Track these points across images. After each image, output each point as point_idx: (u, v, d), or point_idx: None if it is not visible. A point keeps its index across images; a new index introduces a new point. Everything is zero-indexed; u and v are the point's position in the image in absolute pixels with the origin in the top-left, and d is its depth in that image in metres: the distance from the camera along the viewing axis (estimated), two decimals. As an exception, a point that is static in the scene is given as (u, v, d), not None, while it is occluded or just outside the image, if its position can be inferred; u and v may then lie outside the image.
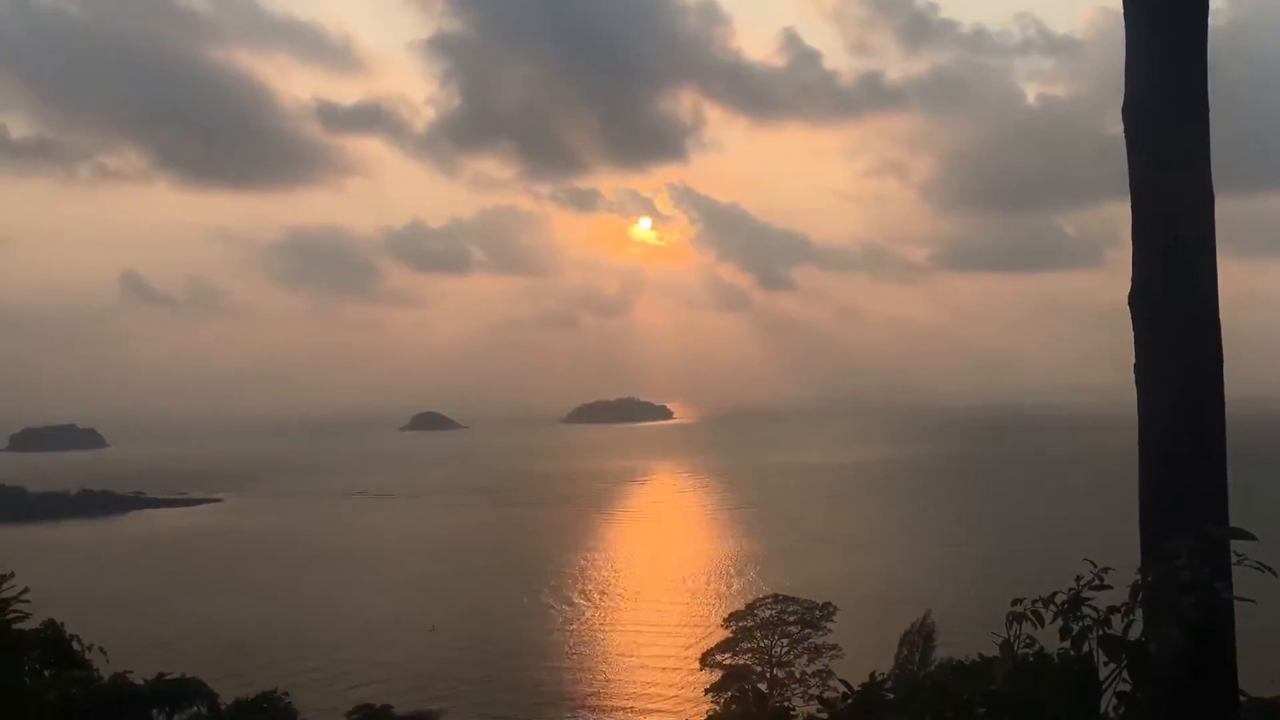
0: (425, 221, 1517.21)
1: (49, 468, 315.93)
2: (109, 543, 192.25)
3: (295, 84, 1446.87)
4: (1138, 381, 6.92)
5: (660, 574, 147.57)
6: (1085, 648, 5.02)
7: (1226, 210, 6.93)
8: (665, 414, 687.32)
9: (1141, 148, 7.08)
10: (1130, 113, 7.15)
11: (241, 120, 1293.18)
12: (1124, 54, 7.25)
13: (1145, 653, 4.90)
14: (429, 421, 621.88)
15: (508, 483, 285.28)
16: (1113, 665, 4.97)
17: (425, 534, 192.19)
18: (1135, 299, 7.00)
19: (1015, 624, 5.14)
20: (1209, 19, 7.10)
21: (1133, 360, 6.90)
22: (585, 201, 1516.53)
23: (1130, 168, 7.13)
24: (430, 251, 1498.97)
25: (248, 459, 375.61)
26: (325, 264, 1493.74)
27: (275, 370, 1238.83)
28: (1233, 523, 6.03)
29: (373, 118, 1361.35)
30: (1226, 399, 6.83)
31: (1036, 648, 5.06)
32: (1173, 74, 6.99)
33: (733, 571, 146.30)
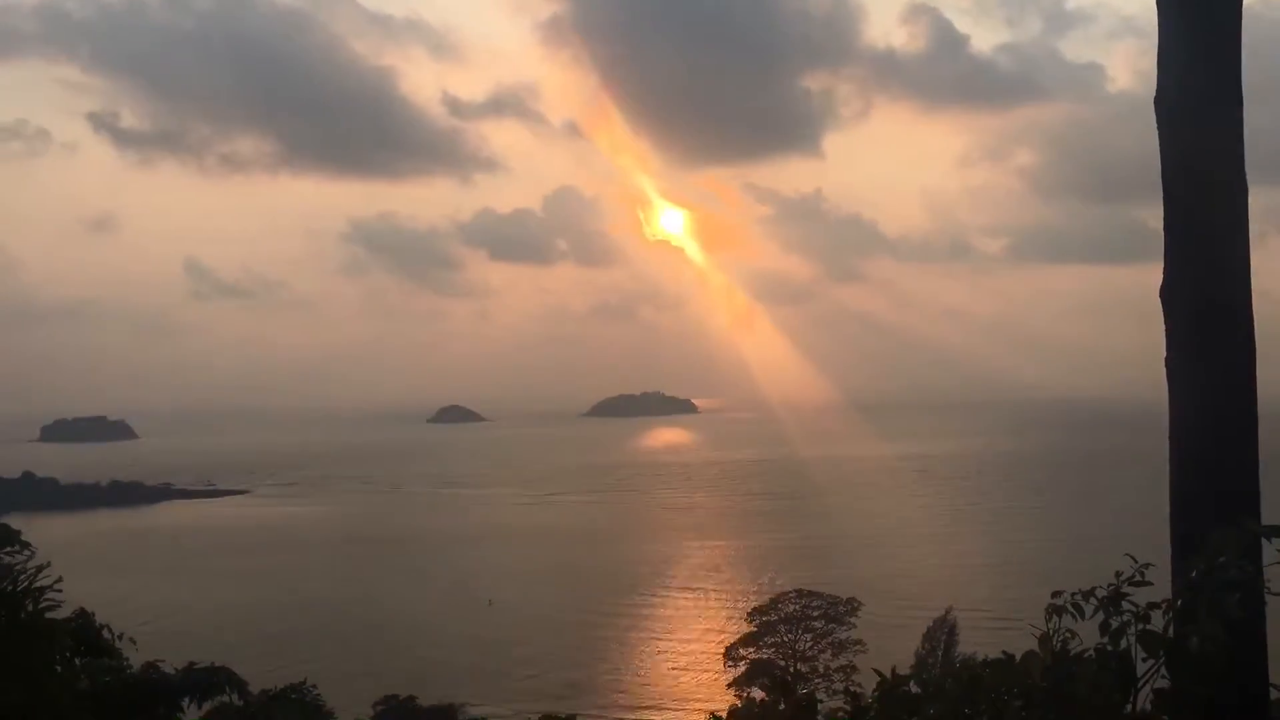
0: (531, 210, 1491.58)
1: (80, 459, 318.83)
2: (137, 533, 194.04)
3: (419, 75, 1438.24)
4: (1169, 376, 6.88)
5: (688, 565, 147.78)
6: (1123, 644, 4.98)
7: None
8: (690, 408, 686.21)
9: (1174, 140, 7.03)
10: (1162, 104, 7.10)
11: (365, 110, 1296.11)
12: (1156, 44, 7.20)
13: (1186, 649, 4.86)
14: (454, 415, 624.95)
15: (522, 474, 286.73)
16: (1150, 661, 4.94)
17: (450, 524, 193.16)
18: (1167, 293, 6.95)
19: (1055, 616, 5.11)
20: (1244, 9, 7.05)
21: (1179, 352, 6.85)
22: (679, 192, 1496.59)
23: (1163, 160, 7.09)
24: (517, 241, 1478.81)
25: (274, 451, 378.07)
26: (415, 255, 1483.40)
27: (326, 363, 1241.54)
28: (1265, 519, 5.98)
29: (496, 107, 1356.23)
30: (1260, 395, 6.78)
31: (1076, 642, 5.02)
32: (1206, 65, 6.94)
33: (760, 565, 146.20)
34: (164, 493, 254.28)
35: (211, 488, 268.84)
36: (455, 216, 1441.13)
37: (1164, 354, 6.95)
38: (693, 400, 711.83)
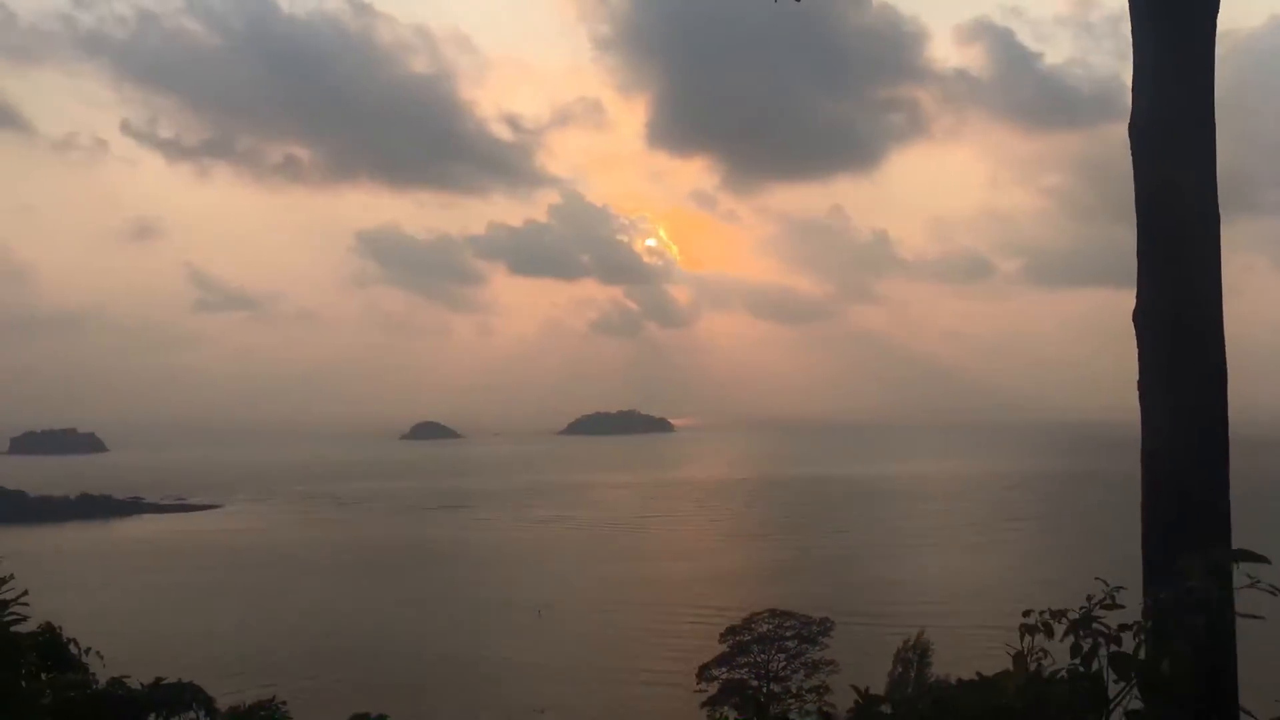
0: (555, 223, 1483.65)
1: (49, 471, 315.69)
2: (106, 547, 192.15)
3: (469, 89, 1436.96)
4: (1141, 400, 6.91)
5: (659, 587, 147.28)
6: (1095, 666, 4.99)
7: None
8: (666, 427, 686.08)
9: (1147, 165, 7.09)
10: (1136, 130, 7.16)
11: (427, 127, 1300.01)
12: (1130, 71, 7.28)
13: (1156, 672, 4.87)
14: (428, 431, 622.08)
15: (484, 493, 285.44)
16: (1121, 684, 4.95)
17: (418, 540, 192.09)
18: (1140, 317, 7.00)
19: (1028, 636, 5.12)
20: (1216, 38, 7.13)
21: (1151, 376, 6.90)
22: (708, 204, 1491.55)
23: (1136, 185, 7.14)
24: (541, 255, 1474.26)
25: (245, 466, 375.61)
26: (432, 268, 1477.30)
27: (320, 377, 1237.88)
28: (1235, 542, 6.02)
29: (560, 122, 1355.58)
30: (1232, 417, 6.83)
31: (1048, 661, 5.03)
32: (1179, 92, 7.00)
33: (735, 584, 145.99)
34: (134, 506, 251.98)
35: (182, 502, 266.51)
36: (470, 230, 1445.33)
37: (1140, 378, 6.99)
38: (669, 419, 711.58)
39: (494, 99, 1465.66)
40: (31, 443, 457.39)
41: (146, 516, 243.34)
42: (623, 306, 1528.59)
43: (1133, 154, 7.17)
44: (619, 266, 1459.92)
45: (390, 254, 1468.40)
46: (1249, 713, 5.82)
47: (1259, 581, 5.21)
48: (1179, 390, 6.78)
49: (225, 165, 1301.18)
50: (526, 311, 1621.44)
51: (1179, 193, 7.00)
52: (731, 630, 68.35)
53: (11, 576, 8.89)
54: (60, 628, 10.83)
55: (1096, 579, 5.27)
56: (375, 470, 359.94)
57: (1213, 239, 6.95)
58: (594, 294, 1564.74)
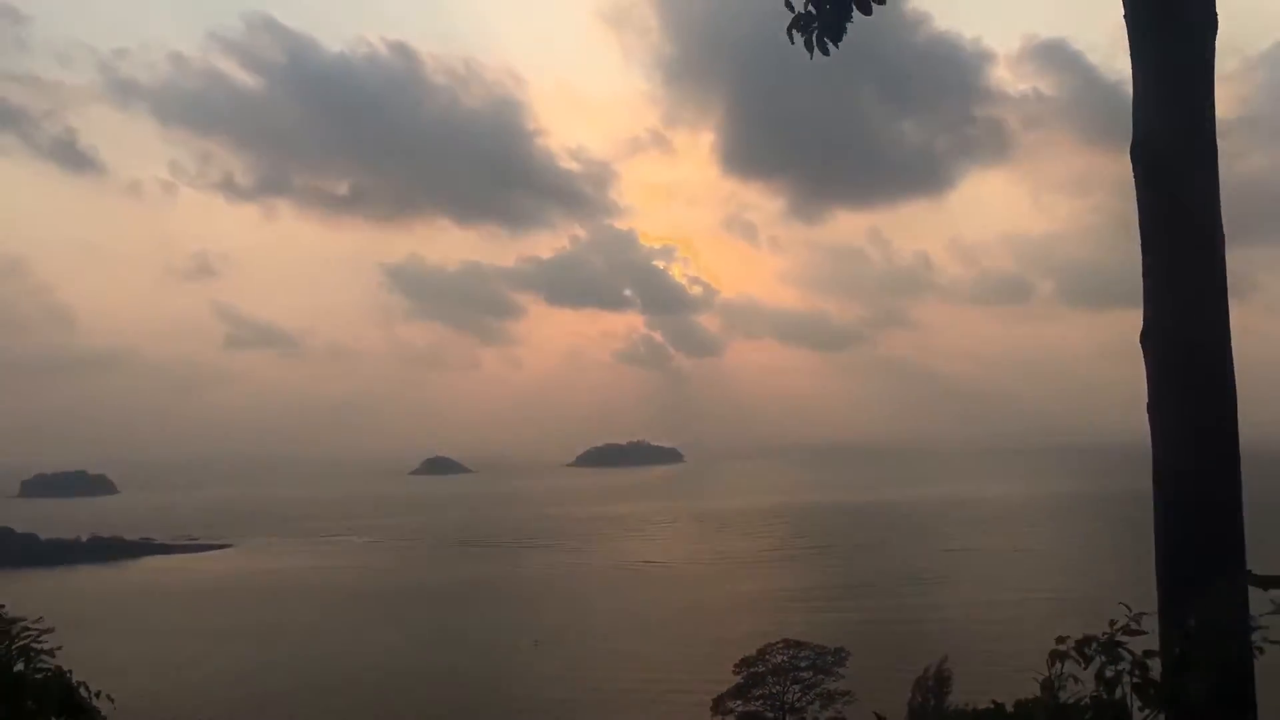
0: (579, 255, 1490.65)
1: (60, 514, 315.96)
2: (117, 589, 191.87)
3: (535, 125, 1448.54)
4: (1151, 422, 6.89)
5: (676, 616, 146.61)
6: (1118, 693, 4.96)
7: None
8: (676, 457, 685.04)
9: (1151, 188, 7.10)
10: (1139, 153, 7.17)
11: (490, 163, 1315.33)
12: (1131, 93, 7.30)
13: (1181, 699, 4.83)
14: (438, 466, 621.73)
15: (499, 528, 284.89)
16: (1146, 711, 4.91)
17: (431, 578, 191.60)
18: (1147, 338, 6.99)
19: (1057, 663, 5.08)
20: (1216, 59, 7.16)
21: (1160, 397, 6.87)
22: (751, 232, 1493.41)
23: (1139, 208, 7.15)
24: (577, 287, 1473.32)
25: (257, 503, 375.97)
26: (469, 300, 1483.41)
27: (343, 412, 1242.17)
28: (1249, 561, 5.97)
29: (623, 153, 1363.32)
30: (1242, 435, 6.80)
31: (1077, 688, 5.00)
32: (1181, 114, 7.02)
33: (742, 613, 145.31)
34: (144, 547, 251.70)
35: (193, 542, 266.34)
36: (502, 263, 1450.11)
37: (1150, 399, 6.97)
38: (679, 449, 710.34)
39: (550, 131, 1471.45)
40: (42, 485, 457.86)
41: (157, 557, 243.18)
42: (648, 336, 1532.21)
43: (1135, 175, 7.18)
44: (654, 297, 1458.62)
45: (425, 287, 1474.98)
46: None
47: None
48: (1188, 410, 6.76)
49: (282, 204, 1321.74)
50: (557, 343, 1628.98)
51: (1183, 213, 7.00)
52: (745, 661, 67.97)
53: (40, 619, 8.90)
54: (70, 671, 10.81)
55: (1120, 604, 5.24)
56: (381, 507, 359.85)
57: (1218, 259, 6.95)
58: (624, 324, 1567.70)
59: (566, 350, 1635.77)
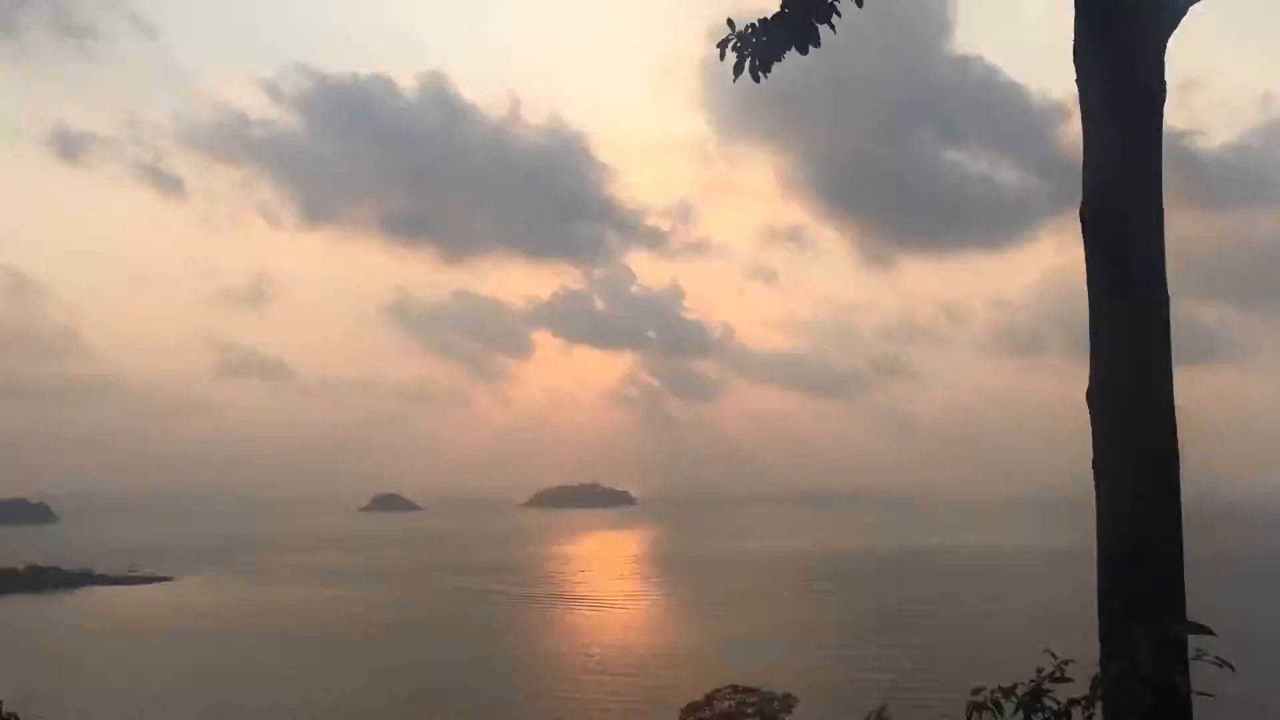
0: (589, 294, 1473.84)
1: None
2: (53, 620, 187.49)
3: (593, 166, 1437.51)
4: (1096, 476, 7.02)
5: (629, 658, 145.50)
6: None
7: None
8: (628, 500, 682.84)
9: (1098, 247, 7.27)
10: (1087, 210, 7.35)
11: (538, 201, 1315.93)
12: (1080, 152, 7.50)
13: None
14: (388, 503, 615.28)
15: (447, 562, 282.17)
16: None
17: (372, 615, 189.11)
18: (1093, 395, 7.13)
19: (976, 714, 5.15)
20: (1164, 119, 7.38)
21: (1105, 454, 7.01)
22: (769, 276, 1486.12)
23: (1088, 264, 7.32)
24: (586, 325, 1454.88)
25: (200, 537, 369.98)
26: (493, 336, 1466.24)
27: (313, 449, 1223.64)
28: (1191, 617, 6.09)
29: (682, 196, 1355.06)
30: (1184, 494, 6.95)
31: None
32: (1129, 173, 7.21)
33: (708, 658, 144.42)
34: (83, 578, 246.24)
35: (134, 574, 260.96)
36: (536, 297, 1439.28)
37: (1092, 456, 7.10)
38: (630, 492, 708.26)
39: (609, 172, 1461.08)
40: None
41: (96, 588, 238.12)
42: (640, 378, 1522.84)
43: (1083, 236, 7.36)
44: (660, 337, 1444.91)
45: (434, 320, 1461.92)
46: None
47: (1205, 654, 5.28)
48: (1132, 468, 6.90)
49: (320, 236, 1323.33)
50: (550, 381, 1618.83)
51: (1128, 275, 7.18)
52: (692, 706, 67.46)
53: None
54: (1, 702, 10.58)
55: (1046, 651, 5.32)
56: (325, 543, 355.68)
57: (1162, 321, 7.13)
58: (619, 364, 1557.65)
59: (554, 388, 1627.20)
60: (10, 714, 10.71)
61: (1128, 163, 7.20)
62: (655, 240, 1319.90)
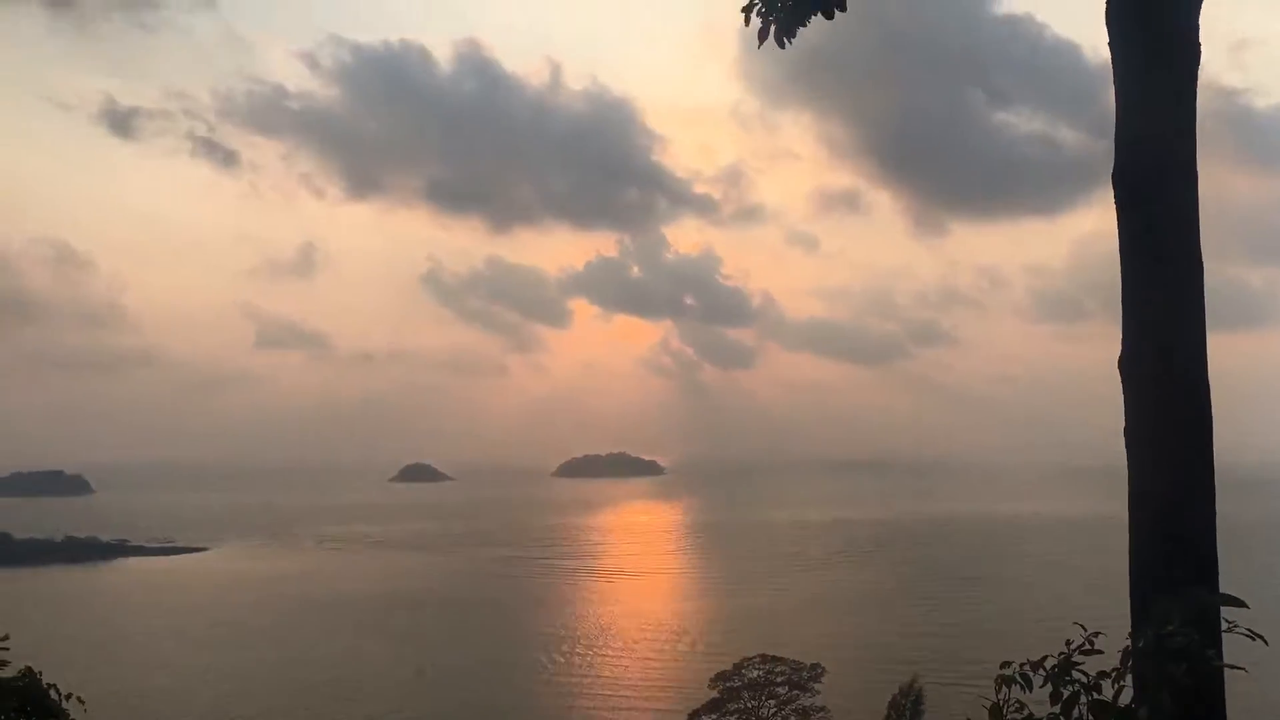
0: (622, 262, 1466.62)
1: (36, 513, 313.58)
2: (91, 590, 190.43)
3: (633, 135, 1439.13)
4: (1128, 446, 6.94)
5: (658, 629, 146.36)
6: (1075, 713, 4.98)
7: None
8: (656, 470, 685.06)
9: (1131, 213, 7.16)
10: (1120, 177, 7.23)
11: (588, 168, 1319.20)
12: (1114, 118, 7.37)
13: (1136, 719, 4.87)
14: (417, 473, 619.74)
15: (475, 533, 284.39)
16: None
17: (401, 585, 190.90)
18: (1125, 364, 7.04)
19: (1004, 687, 5.11)
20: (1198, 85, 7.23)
21: (1137, 423, 6.92)
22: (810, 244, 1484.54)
23: (1120, 232, 7.21)
24: (632, 294, 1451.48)
25: (234, 508, 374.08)
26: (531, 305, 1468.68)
27: (349, 419, 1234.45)
28: (1223, 588, 6.01)
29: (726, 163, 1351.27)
30: (1223, 462, 6.86)
31: (1025, 713, 5.01)
32: (1163, 140, 7.09)
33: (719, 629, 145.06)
34: (120, 549, 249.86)
35: (170, 544, 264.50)
36: (572, 266, 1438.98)
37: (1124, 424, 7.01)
38: (658, 462, 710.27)
39: (657, 138, 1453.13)
40: (18, 485, 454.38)
41: (132, 559, 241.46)
42: (675, 346, 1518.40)
43: (1116, 202, 7.25)
44: (698, 305, 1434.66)
45: (475, 291, 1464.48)
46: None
47: (1237, 626, 5.22)
48: (1164, 437, 6.82)
49: (369, 207, 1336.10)
50: (587, 350, 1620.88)
51: (1162, 240, 7.07)
52: (721, 676, 67.78)
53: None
54: (40, 673, 10.73)
55: (1076, 624, 5.26)
56: (355, 513, 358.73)
57: (1196, 287, 7.02)
58: (656, 333, 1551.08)
59: (591, 358, 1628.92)
60: (50, 684, 10.84)
61: (1162, 125, 7.08)
62: (706, 207, 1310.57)
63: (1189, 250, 7.08)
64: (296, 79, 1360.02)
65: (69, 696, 10.68)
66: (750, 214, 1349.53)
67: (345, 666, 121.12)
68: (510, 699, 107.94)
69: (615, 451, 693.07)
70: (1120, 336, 7.12)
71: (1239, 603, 5.48)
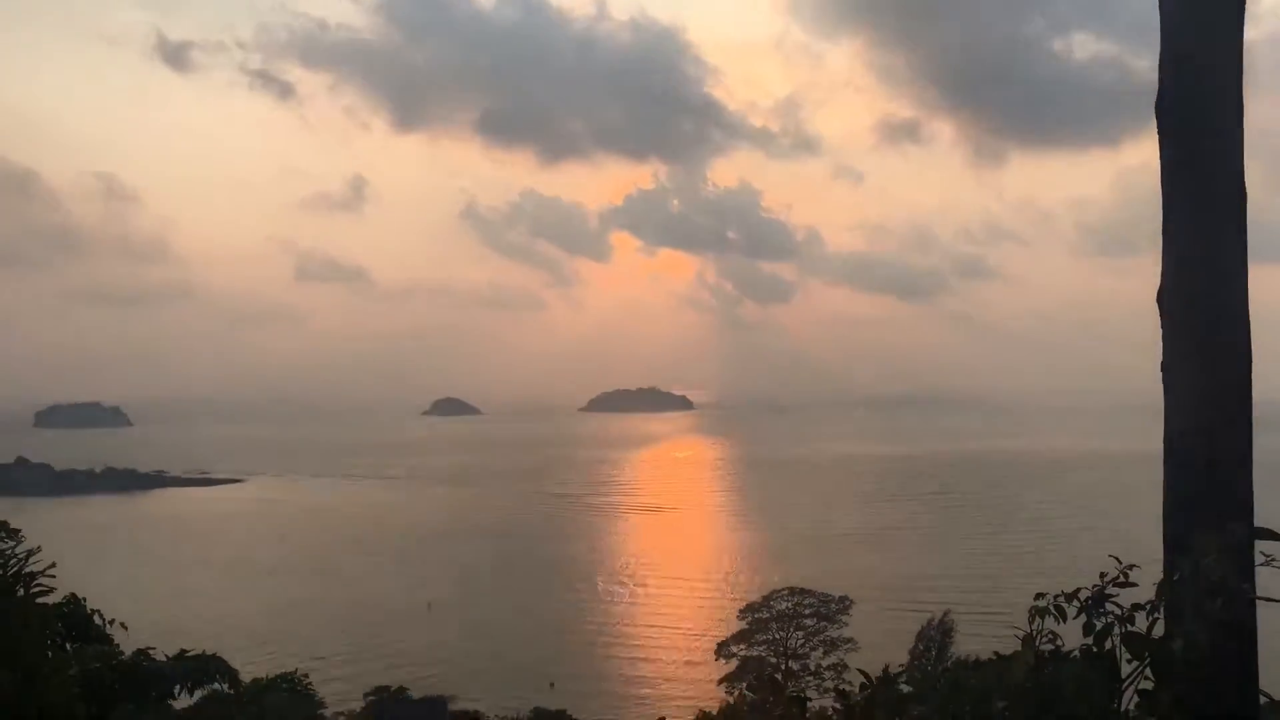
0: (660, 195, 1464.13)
1: (74, 445, 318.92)
2: (131, 520, 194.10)
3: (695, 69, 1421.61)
4: (1165, 381, 6.88)
5: (686, 562, 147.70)
6: (1108, 645, 5.00)
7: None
8: (686, 404, 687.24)
9: (1174, 144, 7.02)
10: (1163, 108, 7.09)
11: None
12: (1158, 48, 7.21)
13: (1169, 651, 4.87)
14: (449, 408, 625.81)
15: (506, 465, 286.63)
16: (1135, 663, 4.95)
17: (429, 517, 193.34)
18: (1164, 297, 6.95)
19: (1038, 618, 5.12)
20: (1245, 14, 7.05)
21: (1175, 356, 6.86)
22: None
23: (1162, 165, 7.07)
24: (676, 228, 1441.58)
25: (270, 441, 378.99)
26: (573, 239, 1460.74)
27: (377, 354, 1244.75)
28: (1258, 523, 5.98)
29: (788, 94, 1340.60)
30: (1256, 399, 6.78)
31: (1059, 643, 5.03)
32: (1207, 70, 6.93)
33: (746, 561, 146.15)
34: (157, 480, 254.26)
35: (205, 476, 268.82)
36: (612, 202, 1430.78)
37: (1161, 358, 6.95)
38: (688, 396, 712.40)
39: (710, 72, 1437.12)
40: (56, 417, 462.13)
41: (170, 490, 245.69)
42: (713, 281, 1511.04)
43: (1159, 131, 7.10)
44: (740, 239, 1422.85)
45: (518, 225, 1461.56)
46: (1268, 694, 5.80)
47: (1273, 560, 5.20)
48: (1203, 370, 6.74)
49: (419, 138, 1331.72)
50: (626, 285, 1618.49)
51: (1205, 170, 6.94)
52: (750, 607, 68.47)
53: (39, 549, 9.03)
54: (84, 600, 10.98)
55: (1110, 556, 5.26)
56: (387, 447, 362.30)
57: (1238, 217, 6.89)
58: (697, 266, 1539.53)
59: (634, 293, 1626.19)
60: (94, 610, 11.09)
61: (1207, 53, 6.91)
62: (761, 140, 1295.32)
63: (1232, 180, 6.94)
64: (338, 11, 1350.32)
65: (112, 622, 10.93)
66: (807, 146, 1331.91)
67: (372, 596, 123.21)
68: (541, 629, 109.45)
69: (645, 386, 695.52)
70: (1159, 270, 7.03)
71: (1275, 536, 5.45)
